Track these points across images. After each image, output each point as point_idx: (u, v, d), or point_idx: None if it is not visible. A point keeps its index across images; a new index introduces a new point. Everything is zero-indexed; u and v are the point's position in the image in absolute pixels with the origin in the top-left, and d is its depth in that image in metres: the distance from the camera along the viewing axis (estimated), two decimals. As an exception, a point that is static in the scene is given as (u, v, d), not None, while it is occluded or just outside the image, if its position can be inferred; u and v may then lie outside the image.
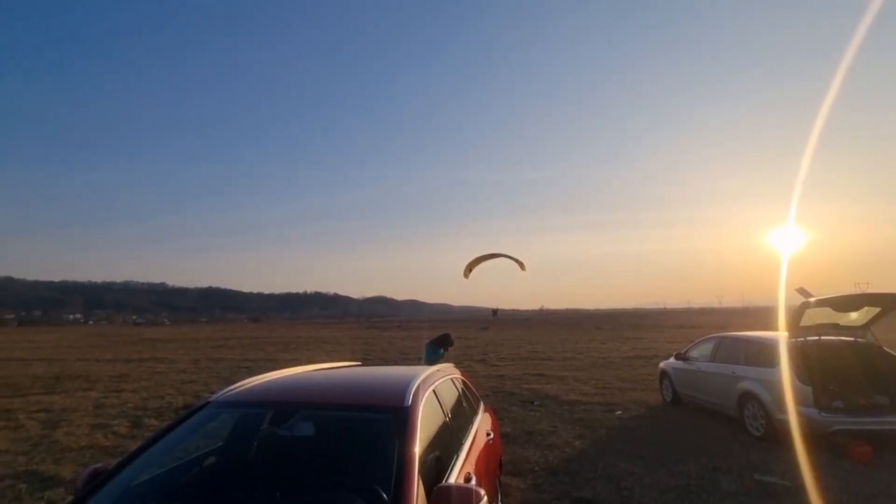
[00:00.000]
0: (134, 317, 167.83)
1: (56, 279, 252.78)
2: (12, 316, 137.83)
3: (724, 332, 7.69)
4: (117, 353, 21.80)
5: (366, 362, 4.65)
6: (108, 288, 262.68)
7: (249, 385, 2.54)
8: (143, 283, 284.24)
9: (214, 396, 2.40)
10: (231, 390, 2.45)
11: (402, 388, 2.28)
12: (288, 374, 2.88)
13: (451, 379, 3.23)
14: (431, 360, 7.49)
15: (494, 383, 11.14)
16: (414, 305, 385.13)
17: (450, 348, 7.89)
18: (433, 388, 2.59)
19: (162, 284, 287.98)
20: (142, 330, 64.33)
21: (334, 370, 3.23)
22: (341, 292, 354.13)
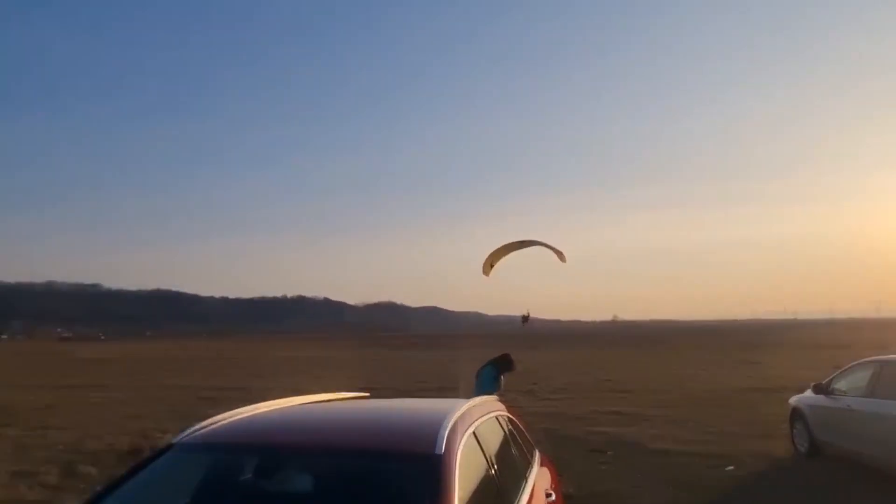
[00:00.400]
0: (59, 329, 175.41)
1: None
2: None
3: (889, 355, 7.44)
4: (40, 378, 22.82)
5: (374, 394, 4.72)
6: (25, 291, 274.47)
7: (225, 422, 2.61)
8: (70, 285, 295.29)
9: (180, 437, 2.47)
10: (201, 429, 2.52)
11: (431, 429, 2.30)
12: (274, 408, 2.95)
13: (496, 417, 3.24)
14: (489, 389, 7.68)
15: (548, 423, 11.18)
16: (433, 314, 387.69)
17: (506, 374, 8.01)
18: (473, 430, 2.60)
19: (95, 286, 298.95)
20: (70, 347, 67.10)
21: (336, 404, 3.28)
22: (334, 297, 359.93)
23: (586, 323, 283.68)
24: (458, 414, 2.56)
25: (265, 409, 2.89)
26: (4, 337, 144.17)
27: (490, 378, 7.78)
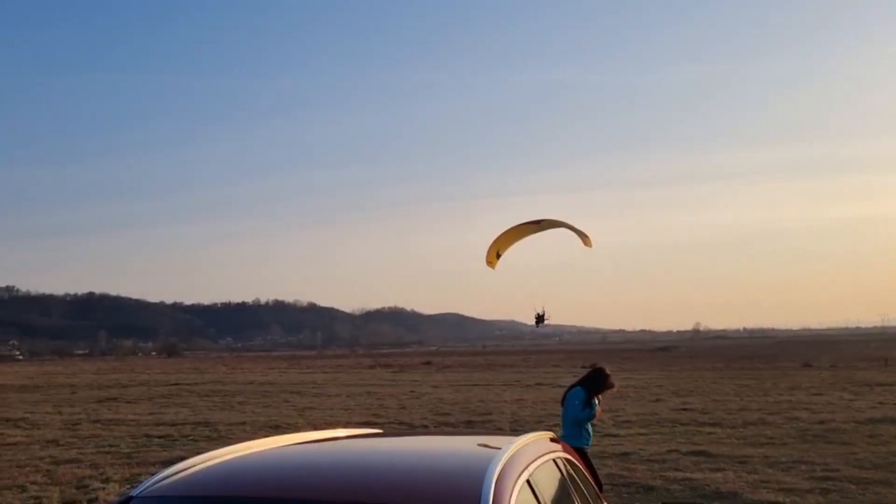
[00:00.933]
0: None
1: None
2: None
3: None
4: (-58, 411, 23.31)
5: (386, 431, 4.75)
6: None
7: (195, 470, 2.62)
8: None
9: (141, 488, 2.49)
10: (165, 479, 2.54)
11: (473, 479, 2.29)
12: (257, 451, 2.96)
13: (554, 460, 3.23)
14: (580, 419, 7.80)
15: (614, 468, 11.22)
16: (454, 324, 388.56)
17: (601, 396, 8.10)
18: (528, 478, 2.59)
19: (10, 290, 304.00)
20: (-21, 369, 68.44)
21: (340, 445, 3.29)
22: (323, 301, 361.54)
23: (660, 334, 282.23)
24: (506, 457, 2.52)
25: (245, 453, 2.89)
26: None
27: (578, 403, 7.78)
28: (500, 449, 2.65)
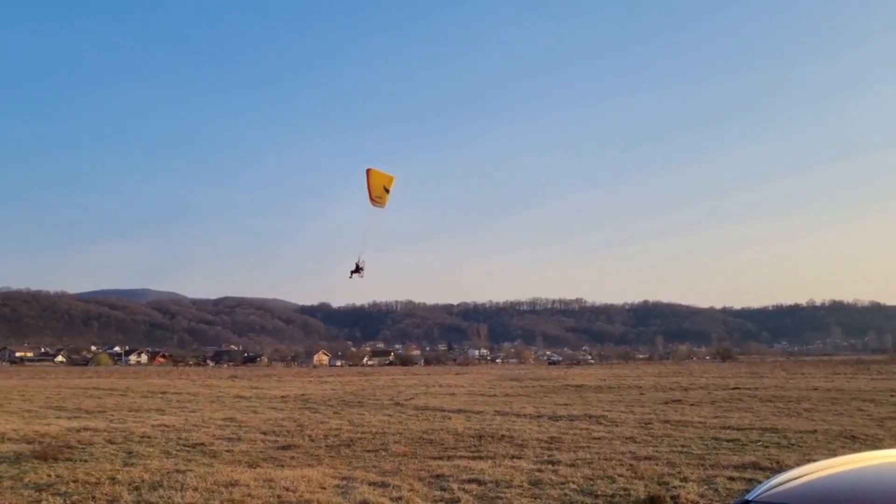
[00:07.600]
0: (548, 352, 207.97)
1: (455, 301, 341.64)
2: (418, 351, 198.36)
3: None
4: (538, 406, 27.31)
5: None
6: (511, 310, 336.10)
7: (815, 478, 2.49)
8: (555, 302, 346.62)
9: (756, 492, 2.48)
10: (782, 485, 2.48)
11: None
12: (879, 464, 2.68)
13: None
14: None
15: None
16: None
17: None
18: None
19: (579, 301, 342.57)
20: (561, 371, 78.65)
21: None
22: (888, 300, 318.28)
23: None
24: None
25: (864, 465, 2.65)
26: (499, 360, 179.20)
27: None
28: None
